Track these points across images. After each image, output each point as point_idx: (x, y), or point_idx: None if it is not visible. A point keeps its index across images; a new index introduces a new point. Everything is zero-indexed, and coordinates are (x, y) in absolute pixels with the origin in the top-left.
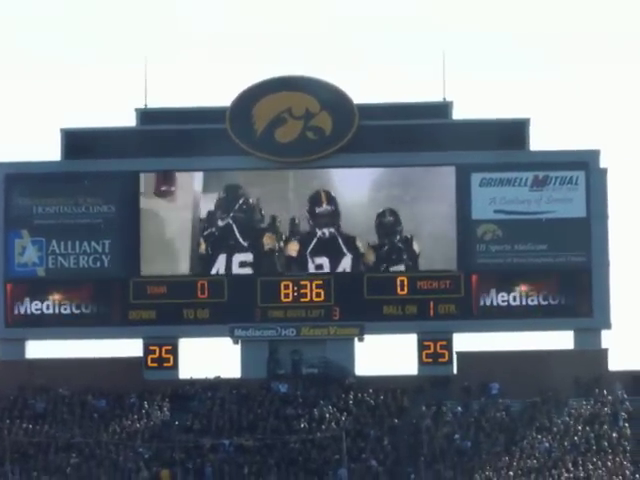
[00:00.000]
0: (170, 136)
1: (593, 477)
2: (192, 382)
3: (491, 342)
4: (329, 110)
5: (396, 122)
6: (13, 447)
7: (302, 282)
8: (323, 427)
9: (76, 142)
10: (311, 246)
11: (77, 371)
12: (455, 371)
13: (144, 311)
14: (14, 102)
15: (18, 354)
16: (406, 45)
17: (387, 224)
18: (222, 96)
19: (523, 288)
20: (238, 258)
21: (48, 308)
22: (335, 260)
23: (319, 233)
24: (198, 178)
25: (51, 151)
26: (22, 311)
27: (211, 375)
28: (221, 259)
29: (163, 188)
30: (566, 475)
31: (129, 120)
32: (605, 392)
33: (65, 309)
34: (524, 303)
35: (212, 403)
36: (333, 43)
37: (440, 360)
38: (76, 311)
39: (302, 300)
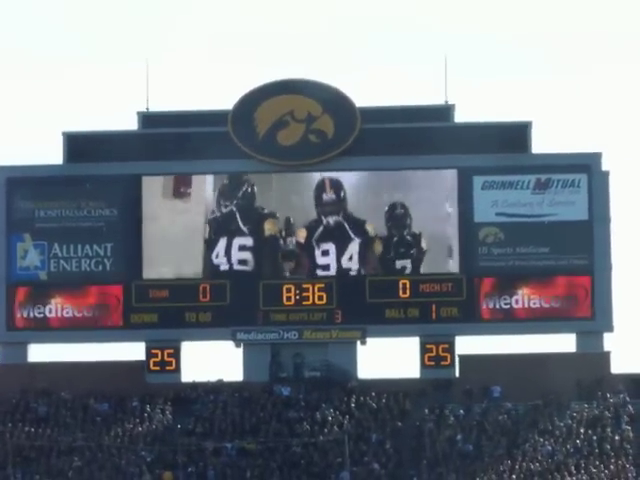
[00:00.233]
0: (172, 139)
1: None
2: (194, 385)
3: (493, 345)
4: (331, 113)
5: (398, 125)
6: (15, 451)
7: (304, 285)
8: (325, 430)
9: (78, 145)
10: (317, 233)
11: (79, 375)
12: (457, 374)
13: (146, 314)
14: (16, 105)
15: (20, 358)
16: (408, 48)
17: (398, 216)
18: (224, 99)
19: (525, 291)
20: (238, 242)
21: (50, 312)
22: (342, 245)
23: (324, 221)
24: (209, 181)
25: (53, 154)
26: (24, 315)
27: (213, 378)
28: (222, 243)
29: (182, 189)
30: (569, 478)
31: (131, 123)
32: (607, 395)
33: (67, 312)
34: (526, 306)
35: (214, 406)
36: (335, 46)
37: (442, 363)
38: (78, 314)
39: (304, 303)
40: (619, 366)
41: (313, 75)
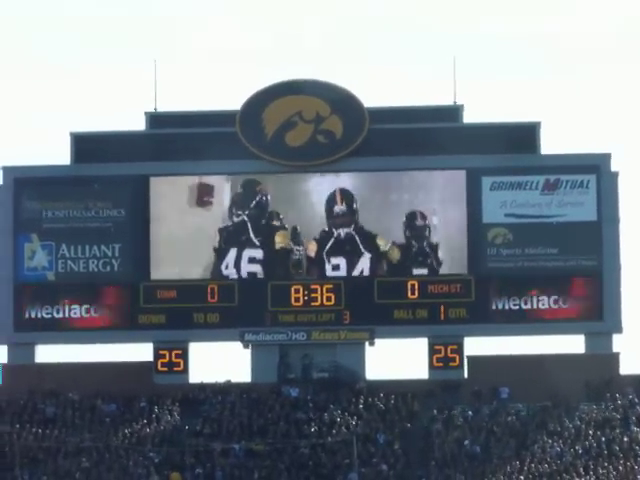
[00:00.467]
0: (180, 140)
1: None
2: (202, 386)
3: (502, 346)
4: (339, 114)
5: (406, 126)
6: (23, 452)
7: (313, 286)
8: (333, 431)
9: (86, 146)
10: (328, 246)
11: (87, 375)
12: (466, 375)
13: (154, 315)
14: (23, 106)
15: (28, 358)
16: (417, 49)
17: (418, 227)
18: (232, 100)
19: (534, 292)
20: (248, 254)
21: (58, 312)
22: (352, 260)
23: (335, 233)
24: (227, 189)
25: (61, 155)
26: (32, 315)
27: (221, 379)
28: (232, 253)
29: (205, 198)
30: (577, 479)
31: (139, 124)
32: (616, 396)
33: (75, 313)
34: (535, 307)
35: (222, 407)
36: (344, 47)
37: (451, 364)
38: (86, 315)
39: (312, 304)
40: (628, 367)
41: (321, 76)
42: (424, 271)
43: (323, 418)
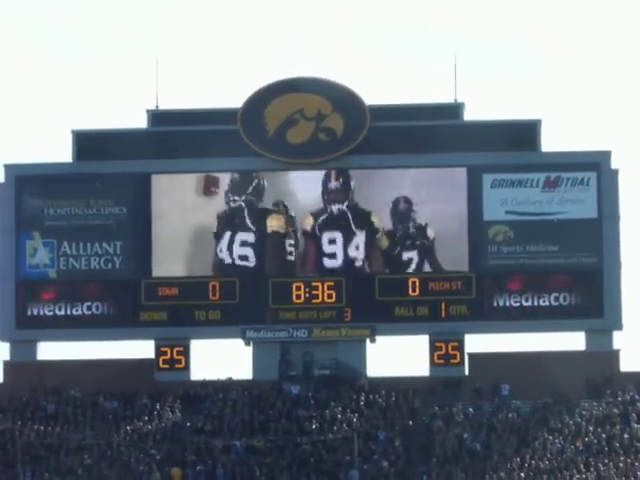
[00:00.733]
0: (181, 137)
1: (605, 478)
2: (204, 384)
3: (503, 343)
4: (341, 111)
5: (407, 123)
6: (25, 449)
7: (314, 283)
8: (335, 428)
9: (87, 143)
10: (322, 219)
11: (88, 372)
12: (467, 372)
13: (155, 312)
14: (25, 104)
15: (29, 356)
16: (418, 46)
17: (401, 211)
18: (233, 97)
19: (534, 289)
20: (240, 237)
21: (59, 309)
22: (348, 234)
23: (329, 209)
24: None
25: (62, 152)
26: (33, 313)
27: (223, 376)
28: (225, 237)
29: (212, 189)
30: (578, 476)
31: (140, 121)
32: (617, 393)
33: (76, 310)
34: (535, 304)
35: (224, 404)
36: (345, 45)
37: (452, 361)
38: (87, 312)
39: (314, 301)
40: (628, 364)
41: (323, 73)
42: (413, 254)
43: (324, 415)
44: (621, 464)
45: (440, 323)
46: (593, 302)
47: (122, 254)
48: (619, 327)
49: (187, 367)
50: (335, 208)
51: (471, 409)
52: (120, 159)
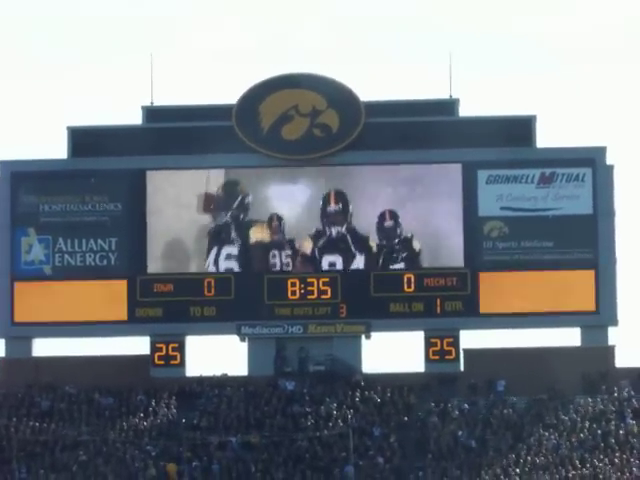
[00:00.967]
0: (176, 134)
1: (600, 474)
2: (199, 380)
3: (498, 339)
4: (336, 107)
5: (402, 119)
6: (20, 445)
7: (309, 279)
8: (330, 424)
9: (82, 140)
10: (321, 243)
11: (84, 369)
12: (462, 368)
13: (151, 309)
14: (20, 100)
15: (25, 352)
16: (412, 43)
17: (386, 228)
18: (228, 93)
19: (530, 285)
20: (226, 251)
21: (55, 306)
22: (347, 259)
23: (328, 232)
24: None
25: (57, 149)
26: (29, 309)
27: (218, 373)
28: (213, 252)
29: (212, 206)
30: (573, 472)
31: (135, 118)
32: (612, 389)
33: (72, 307)
34: (531, 300)
35: (219, 401)
36: (340, 41)
37: (447, 357)
38: (82, 309)
39: (309, 297)
40: (624, 360)
41: (318, 70)
42: (401, 265)
43: (319, 411)
44: (616, 460)
45: (435, 319)
46: (588, 298)
47: (117, 250)
48: (614, 323)
49: (182, 363)
50: (334, 231)
51: (466, 405)
52: (115, 155)
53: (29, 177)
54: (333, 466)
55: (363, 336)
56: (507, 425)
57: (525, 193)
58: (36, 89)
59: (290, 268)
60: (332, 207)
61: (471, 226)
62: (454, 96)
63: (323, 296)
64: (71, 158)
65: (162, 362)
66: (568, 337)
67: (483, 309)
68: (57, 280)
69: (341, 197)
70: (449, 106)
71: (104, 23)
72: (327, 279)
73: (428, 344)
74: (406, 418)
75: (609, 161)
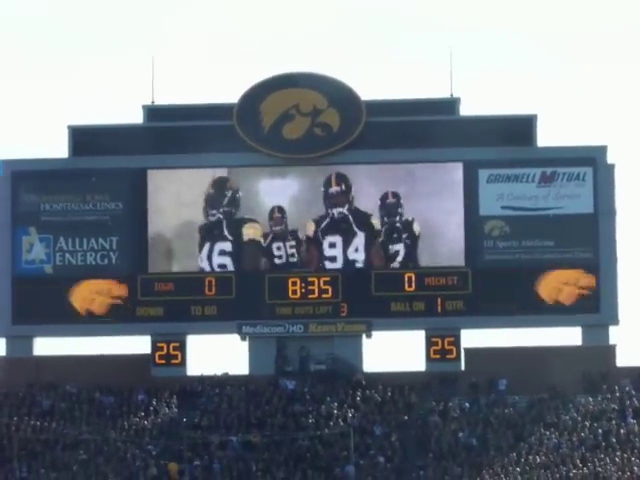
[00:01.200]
0: (177, 133)
1: (601, 473)
2: (200, 379)
3: (499, 338)
4: (336, 107)
5: (403, 118)
6: (21, 444)
7: (310, 279)
8: (331, 423)
9: (83, 139)
10: (323, 225)
11: (85, 368)
12: (463, 367)
13: (152, 308)
14: (21, 99)
15: (26, 351)
16: (413, 42)
17: (389, 205)
18: (229, 93)
19: (530, 284)
20: (219, 247)
21: (56, 305)
22: (347, 238)
23: (330, 213)
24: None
25: (58, 148)
26: (30, 308)
27: (219, 372)
28: (205, 248)
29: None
30: (574, 471)
31: (136, 117)
32: (613, 388)
33: (73, 306)
34: (532, 299)
35: (220, 400)
36: (341, 40)
37: (448, 356)
38: (83, 308)
39: (310, 297)
40: (625, 359)
41: (319, 69)
42: (400, 247)
43: (320, 410)
44: (617, 459)
45: (436, 318)
46: (589, 297)
47: (118, 249)
48: (615, 322)
49: (183, 362)
50: (336, 212)
51: (467, 404)
52: (116, 154)
53: (30, 176)
54: (334, 465)
55: (364, 335)
56: (508, 424)
57: (526, 192)
58: (37, 88)
59: (295, 259)
60: (334, 189)
61: (472, 225)
62: (455, 95)
63: (324, 295)
64: (72, 157)
65: (163, 361)
66: (569, 336)
67: (484, 308)
68: (58, 279)
69: (342, 179)
70: (450, 105)
71: (105, 22)
72: (328, 278)
73: (429, 343)
74: (407, 417)
75: (610, 160)
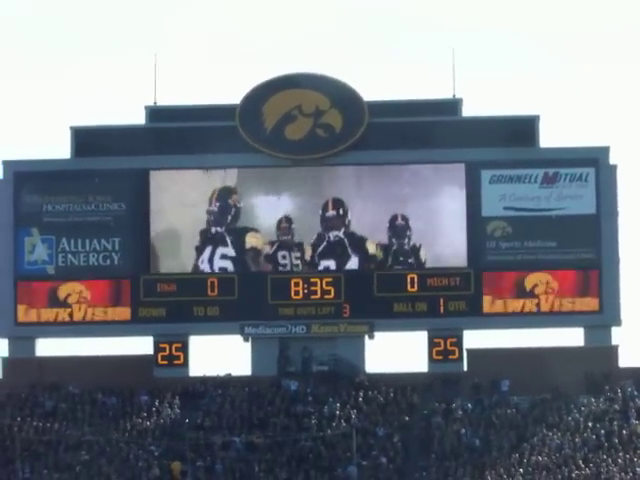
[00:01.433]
0: (180, 134)
1: (604, 474)
2: (203, 380)
3: (501, 339)
4: (339, 107)
5: (406, 119)
6: (23, 445)
7: (312, 279)
8: (333, 424)
9: (86, 140)
10: (320, 249)
11: (87, 369)
12: (465, 368)
13: (154, 309)
14: (23, 100)
15: (28, 352)
16: (416, 43)
17: (398, 227)
18: (232, 93)
19: (533, 285)
20: (221, 251)
21: (58, 306)
22: (341, 262)
23: (326, 237)
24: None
25: (61, 149)
26: (32, 309)
27: (221, 373)
28: (207, 251)
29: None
30: (577, 472)
31: (139, 118)
32: (615, 389)
33: (75, 307)
34: (534, 300)
35: (222, 401)
36: (343, 41)
37: (450, 357)
38: (86, 309)
39: (312, 297)
40: (627, 360)
41: (321, 69)
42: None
43: (323, 411)
44: (620, 460)
45: (439, 319)
46: (592, 298)
47: (120, 250)
48: (618, 323)
49: (186, 363)
50: (332, 235)
51: (470, 405)
52: (118, 155)
53: (32, 177)
54: (336, 466)
55: (366, 336)
56: (510, 425)
57: (528, 193)
58: (39, 89)
59: (300, 269)
60: (330, 213)
61: (474, 226)
62: (457, 96)
63: (326, 296)
64: (74, 158)
65: (165, 362)
66: (571, 337)
67: (486, 309)
68: (60, 280)
69: (339, 204)
70: (452, 106)
71: (108, 23)
72: (330, 279)
73: (431, 344)
74: (409, 418)
75: (612, 161)
